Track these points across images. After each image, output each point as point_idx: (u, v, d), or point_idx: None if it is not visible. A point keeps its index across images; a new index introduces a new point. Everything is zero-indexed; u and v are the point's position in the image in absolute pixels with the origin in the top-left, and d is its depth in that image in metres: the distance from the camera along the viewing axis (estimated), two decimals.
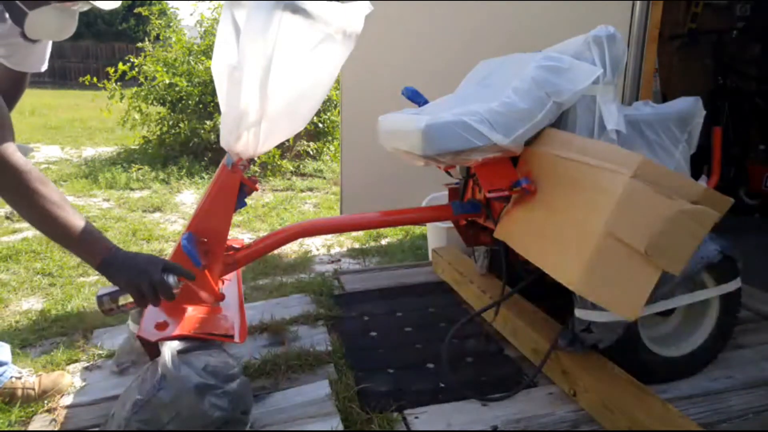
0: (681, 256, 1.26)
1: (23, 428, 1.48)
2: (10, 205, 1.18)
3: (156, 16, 6.59)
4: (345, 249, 3.25)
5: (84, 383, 1.66)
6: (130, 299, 1.23)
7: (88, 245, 1.20)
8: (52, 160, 5.88)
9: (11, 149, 1.15)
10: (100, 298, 1.26)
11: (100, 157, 5.95)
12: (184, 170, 5.16)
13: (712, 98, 3.43)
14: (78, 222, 1.19)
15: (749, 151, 3.55)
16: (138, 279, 1.19)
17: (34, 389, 1.58)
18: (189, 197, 4.52)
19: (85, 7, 1.37)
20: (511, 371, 1.68)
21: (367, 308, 2.17)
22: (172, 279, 1.24)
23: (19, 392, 1.57)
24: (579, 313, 1.50)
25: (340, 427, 1.41)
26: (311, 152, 5.78)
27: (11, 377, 1.58)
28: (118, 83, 5.88)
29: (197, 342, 1.31)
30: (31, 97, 13.04)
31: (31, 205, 1.16)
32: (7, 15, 1.33)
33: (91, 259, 1.21)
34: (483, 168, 1.56)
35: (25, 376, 1.60)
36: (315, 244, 3.30)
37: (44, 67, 1.58)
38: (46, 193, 1.16)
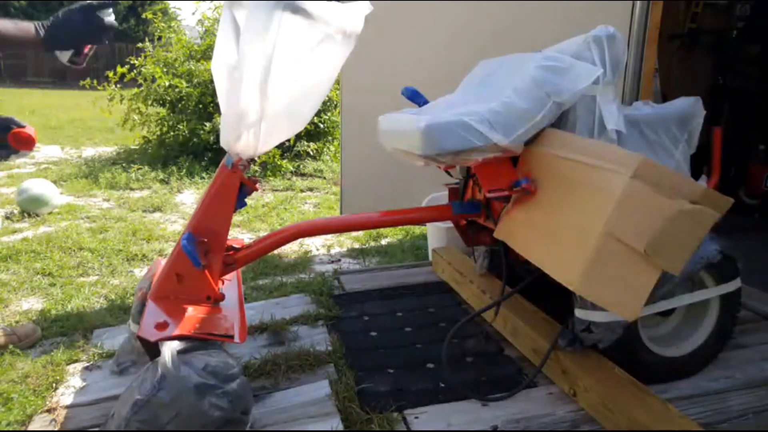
0: (681, 256, 1.26)
1: (23, 428, 1.49)
2: None
3: (159, 18, 6.59)
4: (345, 249, 3.25)
5: (84, 383, 1.66)
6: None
7: (22, 32, 1.37)
8: (52, 160, 5.89)
9: None
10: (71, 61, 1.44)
11: (100, 157, 5.95)
12: (184, 170, 5.16)
13: (712, 98, 3.43)
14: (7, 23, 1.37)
15: (749, 151, 3.55)
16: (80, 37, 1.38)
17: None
18: (189, 197, 4.52)
19: None
20: (511, 371, 1.68)
21: (367, 308, 2.17)
22: (108, 13, 1.39)
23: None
24: (579, 313, 1.50)
25: (340, 427, 1.41)
26: (311, 152, 5.78)
27: None
28: (118, 85, 5.88)
29: (197, 342, 1.31)
30: (31, 97, 13.06)
31: None
32: None
33: (30, 42, 1.38)
34: (483, 168, 1.56)
35: None
36: (315, 244, 3.30)
37: None
38: None
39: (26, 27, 1.43)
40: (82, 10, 1.39)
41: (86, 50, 1.45)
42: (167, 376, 1.20)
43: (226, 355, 1.33)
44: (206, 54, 5.93)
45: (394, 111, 1.76)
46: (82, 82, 5.91)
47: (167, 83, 5.61)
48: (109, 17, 1.41)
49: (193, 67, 5.76)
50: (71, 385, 1.65)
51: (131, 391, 1.26)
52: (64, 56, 1.45)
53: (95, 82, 5.81)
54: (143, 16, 7.36)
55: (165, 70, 5.79)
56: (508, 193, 1.54)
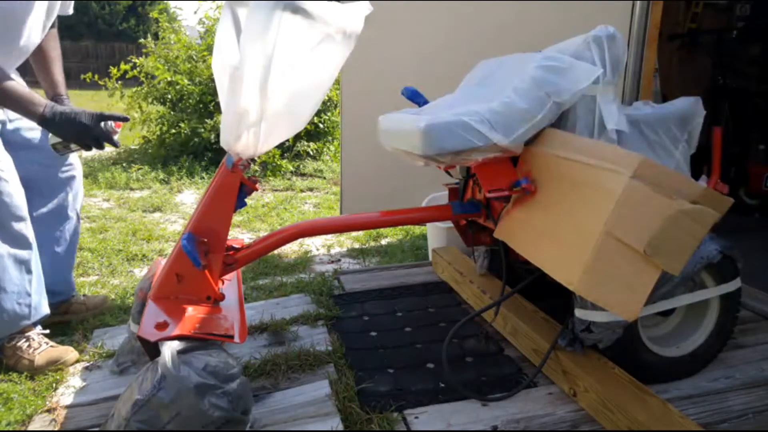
0: (681, 256, 1.26)
1: (23, 428, 1.49)
2: None
3: (164, 19, 6.59)
4: (345, 249, 3.25)
5: (84, 383, 1.66)
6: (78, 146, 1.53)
7: (30, 103, 1.50)
8: None
9: None
10: (53, 146, 1.56)
11: (100, 156, 5.95)
12: (184, 170, 5.16)
13: (712, 98, 3.43)
14: (22, 89, 1.51)
15: (749, 151, 3.55)
16: (82, 136, 1.50)
17: (33, 360, 1.74)
18: (189, 197, 4.52)
19: None
20: (511, 371, 1.68)
21: (367, 308, 2.17)
22: (109, 124, 1.51)
23: (17, 358, 1.76)
24: (579, 313, 1.50)
25: (340, 427, 1.41)
26: (311, 152, 5.78)
27: (20, 340, 1.77)
28: (119, 82, 5.87)
29: (197, 342, 1.31)
30: None
31: None
32: None
33: (35, 111, 1.50)
34: (483, 168, 1.56)
35: (35, 341, 1.79)
36: (315, 244, 3.30)
37: (71, 11, 1.92)
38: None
39: (37, 102, 1.53)
40: (97, 119, 1.50)
41: (73, 146, 1.56)
42: (167, 376, 1.20)
43: (226, 355, 1.33)
44: (207, 53, 5.92)
45: (394, 111, 1.76)
46: (83, 76, 5.87)
47: (168, 79, 5.60)
48: (116, 136, 1.54)
49: (194, 63, 5.76)
50: (71, 385, 1.65)
51: (131, 391, 1.26)
52: (53, 139, 1.56)
53: (96, 76, 5.79)
54: (150, 15, 7.37)
55: (167, 67, 5.79)
56: (508, 193, 1.54)
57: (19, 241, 1.73)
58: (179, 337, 1.29)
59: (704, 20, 3.69)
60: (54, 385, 1.67)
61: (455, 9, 2.77)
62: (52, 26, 1.90)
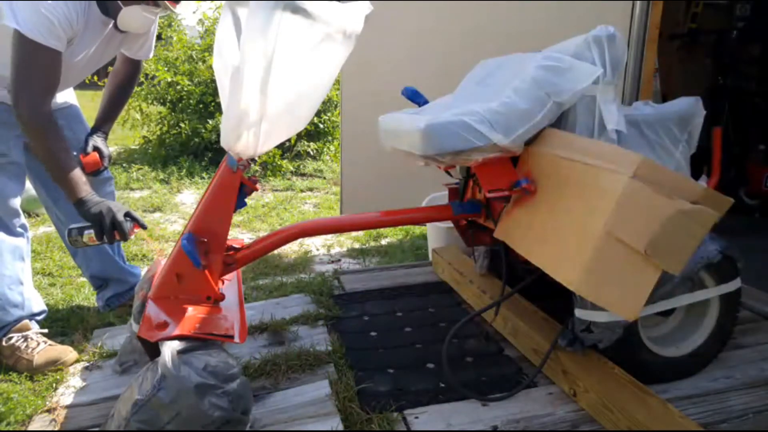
0: (681, 256, 1.26)
1: (23, 428, 1.49)
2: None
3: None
4: (345, 249, 3.25)
5: (84, 383, 1.66)
6: (93, 235, 1.54)
7: (74, 185, 1.57)
8: None
9: (39, 103, 1.56)
10: (69, 230, 1.56)
11: None
12: (184, 170, 5.16)
13: (712, 98, 3.43)
14: (73, 167, 1.59)
15: (749, 151, 3.55)
16: (102, 216, 1.53)
17: (31, 360, 1.76)
18: (189, 197, 4.52)
19: (164, 13, 1.79)
20: (511, 371, 1.68)
21: (367, 308, 2.17)
22: (129, 224, 1.55)
23: (16, 358, 1.78)
24: (579, 313, 1.50)
25: (340, 427, 1.41)
26: (311, 152, 5.77)
27: (18, 339, 1.80)
28: None
29: (197, 342, 1.31)
30: None
31: (45, 151, 1.57)
32: (91, 15, 1.69)
33: (73, 195, 1.57)
34: (483, 168, 1.56)
35: (33, 340, 1.81)
36: (315, 244, 3.30)
37: (151, 55, 2.09)
38: (56, 143, 1.58)
39: (80, 189, 1.59)
40: (123, 211, 1.56)
41: (85, 237, 1.57)
42: (167, 376, 1.20)
43: (226, 355, 1.33)
44: (206, 53, 5.92)
45: (394, 111, 1.76)
46: None
47: (169, 79, 5.60)
48: (131, 236, 1.58)
49: (194, 63, 5.76)
50: (71, 385, 1.65)
51: (131, 391, 1.26)
52: (73, 225, 1.59)
53: (96, 77, 5.78)
54: None
55: (166, 68, 5.78)
56: (508, 193, 1.54)
57: (12, 230, 1.81)
58: (179, 337, 1.29)
59: (704, 20, 3.69)
60: (54, 385, 1.67)
61: (455, 9, 2.77)
62: (136, 71, 2.09)
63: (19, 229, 1.84)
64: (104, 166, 1.94)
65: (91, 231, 1.54)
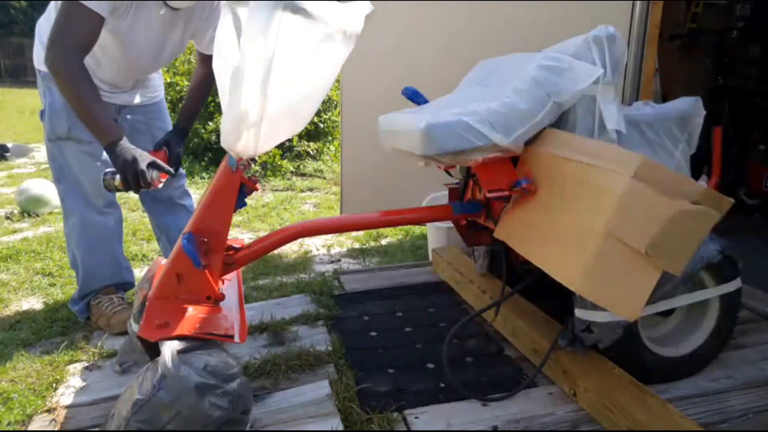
0: (681, 256, 1.26)
1: (23, 428, 1.49)
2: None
3: None
4: (345, 249, 3.25)
5: (84, 383, 1.66)
6: (121, 181, 1.58)
7: (103, 130, 1.62)
8: None
9: (70, 53, 1.61)
10: (105, 172, 1.60)
11: None
12: (184, 170, 5.15)
13: (712, 98, 3.43)
14: (103, 112, 1.64)
15: (749, 151, 3.55)
16: (126, 166, 1.56)
17: (110, 318, 1.99)
18: None
19: None
20: (511, 371, 1.68)
21: (367, 308, 2.17)
22: (154, 173, 1.58)
23: (99, 316, 2.03)
24: (579, 313, 1.50)
25: (340, 427, 1.41)
26: (311, 152, 5.77)
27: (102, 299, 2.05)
28: None
29: (197, 342, 1.31)
30: (30, 97, 13.05)
31: (72, 95, 1.62)
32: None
33: (102, 139, 1.62)
34: (483, 168, 1.56)
35: (115, 303, 2.04)
36: (315, 244, 3.30)
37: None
38: (84, 88, 1.62)
39: (110, 132, 1.63)
40: (149, 162, 1.59)
41: (116, 183, 1.61)
42: (167, 376, 1.20)
43: (226, 355, 1.33)
44: None
45: (394, 111, 1.76)
46: None
47: (168, 80, 5.60)
48: (159, 185, 1.62)
49: (193, 64, 5.75)
50: (71, 385, 1.65)
51: (131, 390, 1.26)
52: (107, 174, 1.62)
53: None
54: None
55: (166, 69, 5.78)
56: (508, 193, 1.54)
57: (100, 209, 2.03)
58: (179, 337, 1.29)
59: (704, 20, 3.69)
60: (54, 385, 1.67)
61: (455, 9, 2.77)
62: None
63: (106, 209, 2.04)
64: (170, 165, 1.98)
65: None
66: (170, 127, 2.18)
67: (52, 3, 1.87)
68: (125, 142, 1.61)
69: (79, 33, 1.62)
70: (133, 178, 1.56)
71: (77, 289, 2.10)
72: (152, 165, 1.59)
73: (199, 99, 2.14)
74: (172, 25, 1.88)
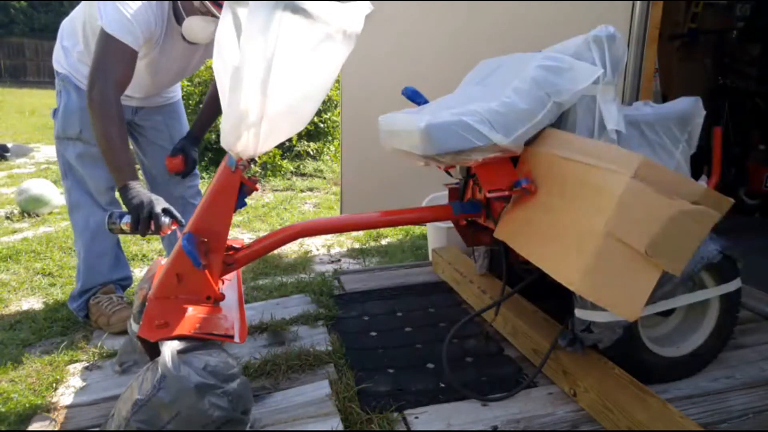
0: (682, 256, 1.26)
1: (23, 428, 1.48)
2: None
3: None
4: (345, 249, 3.25)
5: (84, 383, 1.66)
6: (130, 223, 1.53)
7: (121, 171, 1.66)
8: (53, 160, 5.88)
9: (110, 91, 1.68)
10: (110, 213, 1.57)
11: None
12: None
13: (712, 98, 3.43)
14: (124, 154, 1.71)
15: (749, 151, 3.55)
16: (141, 207, 1.53)
17: (109, 317, 2.00)
18: None
19: None
20: (511, 371, 1.68)
21: (367, 308, 2.17)
22: (167, 219, 1.54)
23: (98, 315, 2.04)
24: (579, 313, 1.50)
25: (340, 427, 1.41)
26: (311, 152, 5.77)
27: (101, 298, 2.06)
28: None
29: (197, 342, 1.31)
30: (30, 97, 13.07)
31: (101, 133, 1.68)
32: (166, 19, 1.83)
33: (120, 178, 1.66)
34: (483, 168, 1.56)
35: (114, 302, 2.05)
36: (315, 244, 3.30)
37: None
38: (114, 130, 1.69)
39: (126, 174, 1.67)
40: (162, 208, 1.56)
41: (123, 225, 1.58)
42: (167, 376, 1.20)
43: (226, 355, 1.33)
44: None
45: (394, 111, 1.76)
46: None
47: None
48: (166, 232, 1.58)
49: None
50: (71, 385, 1.65)
51: (131, 390, 1.26)
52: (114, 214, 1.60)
53: None
54: None
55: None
56: (508, 193, 1.54)
57: (102, 207, 2.06)
58: (179, 337, 1.29)
59: (704, 20, 3.68)
60: (54, 385, 1.67)
61: (455, 9, 2.77)
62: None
63: (109, 207, 2.06)
64: (187, 170, 2.15)
65: (129, 218, 1.55)
66: (187, 128, 2.26)
67: (78, 8, 1.94)
68: (139, 185, 1.63)
69: (117, 69, 1.70)
70: (146, 219, 1.53)
71: (77, 285, 2.11)
72: (166, 211, 1.56)
73: (214, 109, 2.21)
74: (194, 50, 2.01)
